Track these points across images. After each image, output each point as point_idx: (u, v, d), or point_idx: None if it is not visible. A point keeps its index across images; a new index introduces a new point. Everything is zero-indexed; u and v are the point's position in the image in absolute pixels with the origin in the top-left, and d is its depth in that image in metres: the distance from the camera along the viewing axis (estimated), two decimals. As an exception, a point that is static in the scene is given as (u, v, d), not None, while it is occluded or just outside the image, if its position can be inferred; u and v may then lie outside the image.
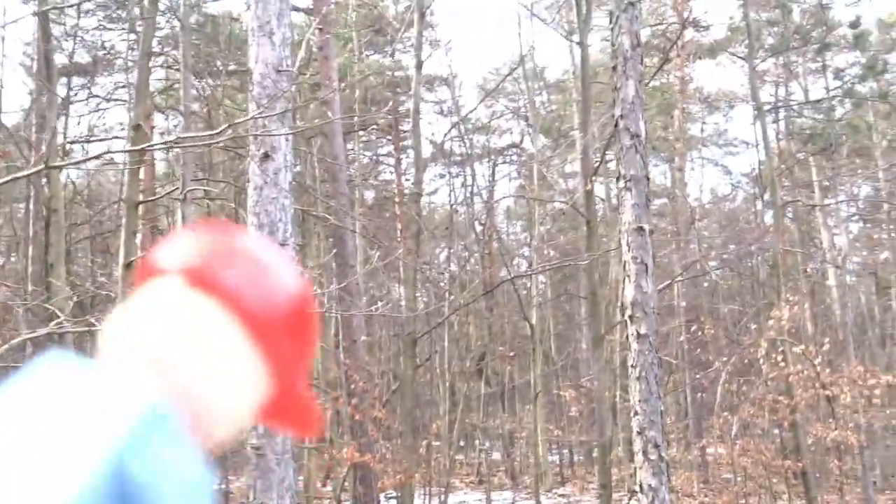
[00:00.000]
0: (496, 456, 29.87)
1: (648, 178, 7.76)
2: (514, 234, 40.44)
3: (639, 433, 6.75)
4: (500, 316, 25.64)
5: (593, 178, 14.23)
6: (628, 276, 7.05)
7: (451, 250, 27.14)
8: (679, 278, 15.42)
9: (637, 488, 6.98)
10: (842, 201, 19.35)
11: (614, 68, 7.92)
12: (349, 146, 27.07)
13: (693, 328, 17.20)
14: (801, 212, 27.59)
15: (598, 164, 14.36)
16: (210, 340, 1.13)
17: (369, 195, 32.78)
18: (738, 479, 15.37)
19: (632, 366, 6.91)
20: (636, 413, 6.83)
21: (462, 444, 30.34)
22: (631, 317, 6.98)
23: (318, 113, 17.07)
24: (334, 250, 14.73)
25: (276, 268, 1.23)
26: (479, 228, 22.46)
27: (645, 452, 6.65)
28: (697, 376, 17.72)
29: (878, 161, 22.69)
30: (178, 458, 1.03)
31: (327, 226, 14.81)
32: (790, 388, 13.94)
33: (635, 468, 7.05)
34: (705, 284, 23.13)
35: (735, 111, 34.66)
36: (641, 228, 7.00)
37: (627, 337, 7.11)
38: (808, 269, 25.83)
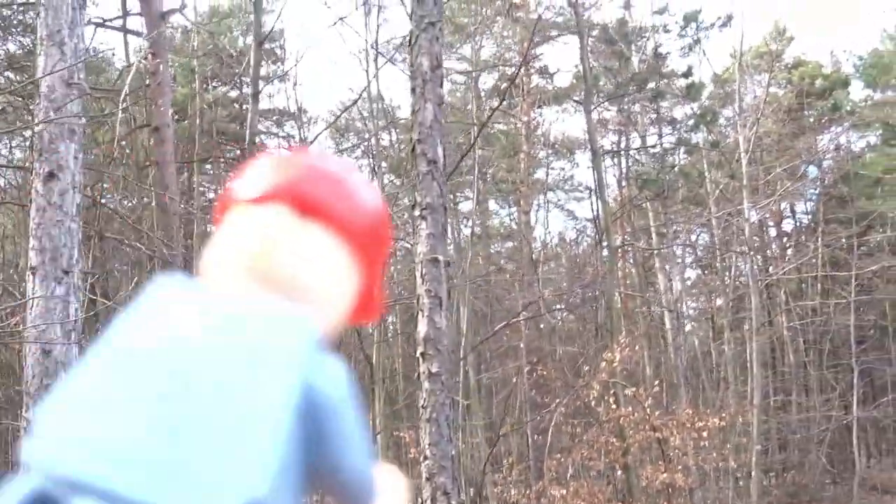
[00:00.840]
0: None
1: (446, 208, 7.26)
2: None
3: (427, 479, 6.03)
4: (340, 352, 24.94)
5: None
6: (421, 310, 6.45)
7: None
8: (515, 319, 15.22)
9: (421, 541, 6.22)
10: (673, 245, 19.63)
11: (413, 90, 7.41)
12: (193, 178, 26.16)
13: (529, 370, 17.04)
14: (641, 257, 28.09)
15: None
16: (320, 257, 1.19)
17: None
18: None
19: (422, 406, 6.24)
20: (425, 458, 6.14)
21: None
22: (423, 354, 6.33)
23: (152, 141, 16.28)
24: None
25: (356, 182, 1.30)
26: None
27: (433, 501, 5.94)
28: (535, 418, 17.52)
29: (710, 208, 23.26)
30: (337, 372, 1.07)
31: (155, 256, 13.96)
32: (622, 431, 13.84)
33: (420, 520, 6.34)
34: (542, 326, 23.08)
35: (581, 157, 35.26)
36: (436, 260, 6.49)
37: (418, 376, 6.44)
38: (647, 313, 26.22)
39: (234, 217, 1.23)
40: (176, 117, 19.01)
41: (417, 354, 6.54)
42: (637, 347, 13.67)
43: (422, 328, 6.46)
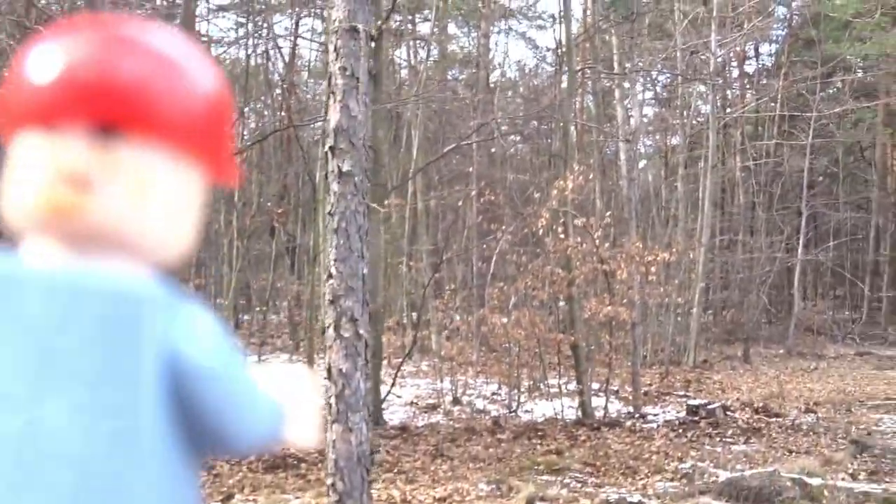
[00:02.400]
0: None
1: None
2: (319, 95, 38.66)
3: (331, 302, 5.06)
4: (284, 170, 24.16)
5: (385, 22, 12.82)
6: (333, 93, 5.14)
7: (248, 105, 25.33)
8: (465, 141, 14.43)
9: (324, 373, 5.25)
10: (636, 72, 18.73)
11: None
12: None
13: (477, 196, 16.40)
14: (601, 90, 27.20)
15: (389, 9, 12.97)
16: (143, 188, 0.88)
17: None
18: (515, 349, 14.88)
19: (329, 213, 5.12)
20: (330, 276, 5.12)
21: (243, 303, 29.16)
22: (333, 148, 5.09)
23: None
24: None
25: (181, 54, 0.94)
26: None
27: (338, 327, 5.01)
28: (481, 245, 17.04)
29: (676, 39, 22.27)
30: (201, 323, 0.92)
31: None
32: (569, 261, 13.33)
33: (325, 346, 5.32)
34: (493, 152, 22.26)
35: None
36: (355, 29, 5.20)
37: (327, 175, 5.28)
38: (603, 145, 25.58)
39: (21, 146, 0.88)
40: None
41: (325, 149, 5.35)
42: (590, 177, 13.02)
43: (333, 116, 5.25)
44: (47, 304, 0.87)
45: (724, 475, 10.14)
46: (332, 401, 4.85)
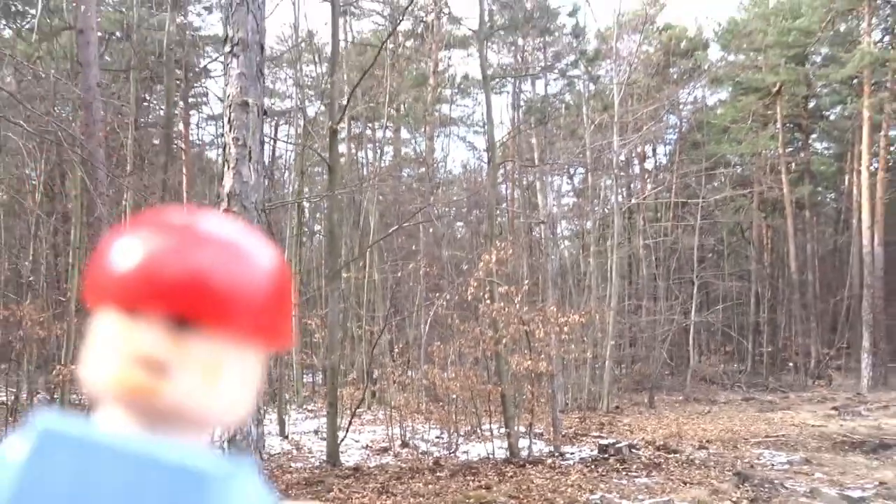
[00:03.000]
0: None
1: (263, 47, 5.54)
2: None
3: None
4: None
5: (336, 124, 12.70)
6: (227, 161, 4.86)
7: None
8: (407, 222, 14.29)
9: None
10: (549, 163, 18.85)
11: None
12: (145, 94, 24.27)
13: (422, 271, 16.21)
14: (527, 182, 27.39)
15: (342, 112, 12.86)
16: (215, 376, 0.79)
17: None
18: (453, 399, 14.55)
19: None
20: None
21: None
22: (226, 210, 4.77)
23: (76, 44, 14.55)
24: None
25: (245, 243, 0.84)
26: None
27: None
28: (414, 311, 16.76)
29: (586, 140, 22.52)
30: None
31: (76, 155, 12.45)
32: (496, 323, 13.10)
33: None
34: (432, 232, 22.03)
35: (482, 96, 34.48)
36: (246, 104, 4.90)
37: None
38: (527, 228, 25.63)
39: (102, 323, 0.80)
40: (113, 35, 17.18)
41: (220, 212, 4.76)
42: (510, 252, 12.86)
43: (227, 182, 4.89)
44: (116, 470, 0.75)
45: (627, 504, 9.83)
46: (224, 445, 4.32)
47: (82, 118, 13.09)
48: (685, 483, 11.46)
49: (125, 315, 0.79)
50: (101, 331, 0.81)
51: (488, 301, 12.73)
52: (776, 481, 10.69)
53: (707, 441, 15.86)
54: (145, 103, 24.06)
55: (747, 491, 10.17)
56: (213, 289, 0.78)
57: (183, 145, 29.96)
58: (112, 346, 0.79)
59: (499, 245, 12.62)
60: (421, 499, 10.64)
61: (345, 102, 12.84)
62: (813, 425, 18.36)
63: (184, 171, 28.58)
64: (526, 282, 12.96)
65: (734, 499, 9.84)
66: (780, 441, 15.81)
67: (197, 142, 35.03)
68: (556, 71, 26.82)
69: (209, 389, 0.80)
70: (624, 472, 12.37)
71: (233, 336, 0.80)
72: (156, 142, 26.37)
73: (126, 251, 0.80)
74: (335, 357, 12.90)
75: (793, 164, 35.82)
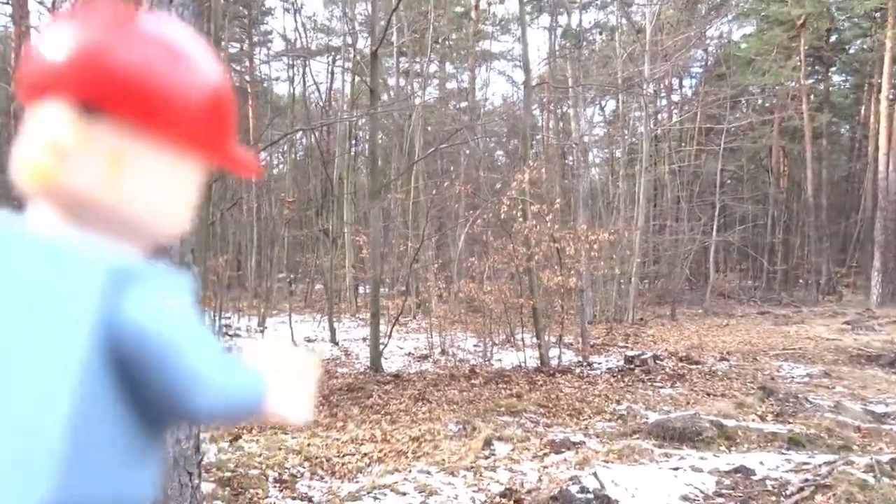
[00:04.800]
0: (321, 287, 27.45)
1: None
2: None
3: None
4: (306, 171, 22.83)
5: (377, 47, 11.47)
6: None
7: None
8: (443, 145, 13.12)
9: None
10: (579, 86, 17.29)
11: None
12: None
13: (459, 190, 15.02)
14: (561, 113, 25.86)
15: (381, 35, 11.61)
16: (114, 166, 0.73)
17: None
18: (489, 311, 13.63)
19: None
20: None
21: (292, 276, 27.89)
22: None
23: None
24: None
25: (195, 49, 0.78)
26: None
27: None
28: (452, 227, 15.71)
29: (617, 68, 20.83)
30: (155, 293, 0.72)
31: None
32: (528, 241, 12.01)
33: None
34: (467, 152, 20.72)
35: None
36: None
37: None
38: (560, 150, 24.21)
39: (28, 116, 0.75)
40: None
41: None
42: (543, 170, 11.69)
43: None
44: (14, 260, 0.70)
45: (653, 416, 8.85)
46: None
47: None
48: (709, 395, 10.44)
49: (37, 103, 0.72)
50: (26, 123, 0.74)
51: (521, 219, 11.62)
52: (800, 395, 9.60)
53: (727, 353, 14.76)
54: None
55: (772, 405, 9.10)
56: (118, 75, 0.70)
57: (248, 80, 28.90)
58: (29, 136, 0.73)
59: (531, 165, 11.44)
60: (455, 406, 9.81)
61: (384, 24, 11.56)
62: (828, 338, 17.09)
63: (249, 104, 27.58)
64: (558, 201, 11.79)
65: (760, 412, 8.80)
66: (798, 354, 14.63)
67: (262, 76, 33.91)
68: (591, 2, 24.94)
69: (112, 180, 0.72)
70: (649, 383, 11.39)
71: (143, 129, 0.72)
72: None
73: (47, 39, 0.73)
74: (377, 271, 11.98)
75: (812, 96, 33.45)
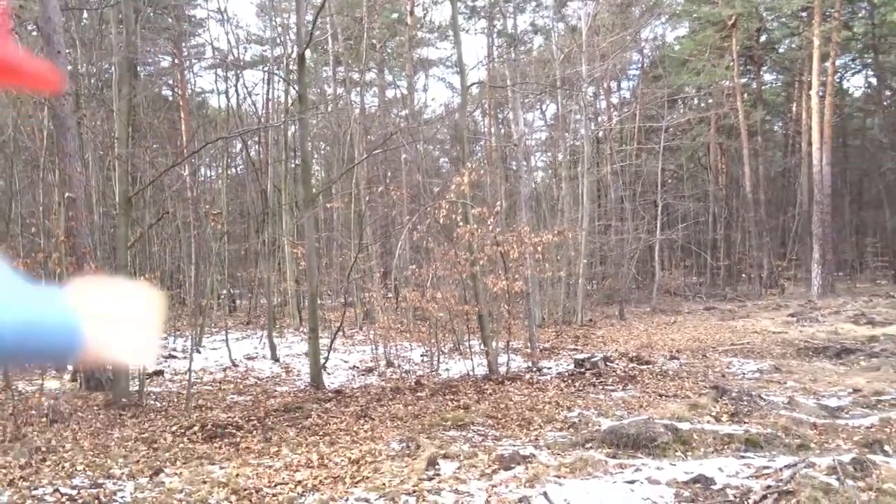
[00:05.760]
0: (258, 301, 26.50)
1: None
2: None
3: None
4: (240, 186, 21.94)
5: (303, 50, 10.82)
6: None
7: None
8: (377, 149, 12.51)
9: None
10: (516, 84, 16.87)
11: None
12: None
13: (391, 194, 14.42)
14: (503, 117, 25.49)
15: (308, 38, 10.98)
16: None
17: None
18: (434, 319, 13.04)
19: None
20: None
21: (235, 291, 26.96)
22: None
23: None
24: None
25: None
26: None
27: None
28: (387, 235, 15.10)
29: (556, 71, 20.52)
30: None
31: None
32: (470, 245, 11.48)
33: None
34: (403, 156, 20.13)
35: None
36: None
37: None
38: (499, 151, 23.78)
39: None
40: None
41: None
42: (483, 173, 11.19)
43: None
44: None
45: (606, 423, 8.38)
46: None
47: (45, 51, 11.13)
48: (661, 396, 10.05)
49: None
50: None
51: (460, 223, 11.09)
52: (753, 393, 9.26)
53: (677, 351, 14.49)
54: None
55: (726, 404, 8.73)
56: None
57: (179, 92, 27.86)
58: None
59: (470, 167, 10.92)
60: (399, 422, 9.20)
61: (310, 27, 10.90)
62: (774, 332, 17.02)
63: (181, 114, 26.56)
64: (499, 204, 11.29)
65: (714, 413, 8.41)
66: (746, 349, 14.44)
67: (196, 90, 32.81)
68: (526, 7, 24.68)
69: None
70: (600, 386, 10.96)
71: None
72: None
73: None
74: (313, 283, 11.30)
75: (745, 94, 33.88)
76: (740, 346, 14.69)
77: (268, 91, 28.44)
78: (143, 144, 16.10)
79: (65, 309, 0.71)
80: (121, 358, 0.76)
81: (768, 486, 5.71)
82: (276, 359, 15.34)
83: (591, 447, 7.42)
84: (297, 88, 10.99)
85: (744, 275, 32.46)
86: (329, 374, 13.41)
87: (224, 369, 14.32)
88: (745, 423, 7.98)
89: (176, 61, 27.71)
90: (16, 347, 0.66)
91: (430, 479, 6.64)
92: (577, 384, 11.17)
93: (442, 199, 11.64)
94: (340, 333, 19.29)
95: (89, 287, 0.76)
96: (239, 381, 13.07)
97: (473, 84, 16.32)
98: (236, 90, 24.26)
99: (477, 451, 7.38)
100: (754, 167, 31.65)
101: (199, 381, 13.07)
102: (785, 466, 6.14)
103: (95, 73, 14.34)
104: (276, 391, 11.83)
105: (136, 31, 10.10)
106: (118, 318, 0.74)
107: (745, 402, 8.71)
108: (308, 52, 27.91)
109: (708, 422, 8.05)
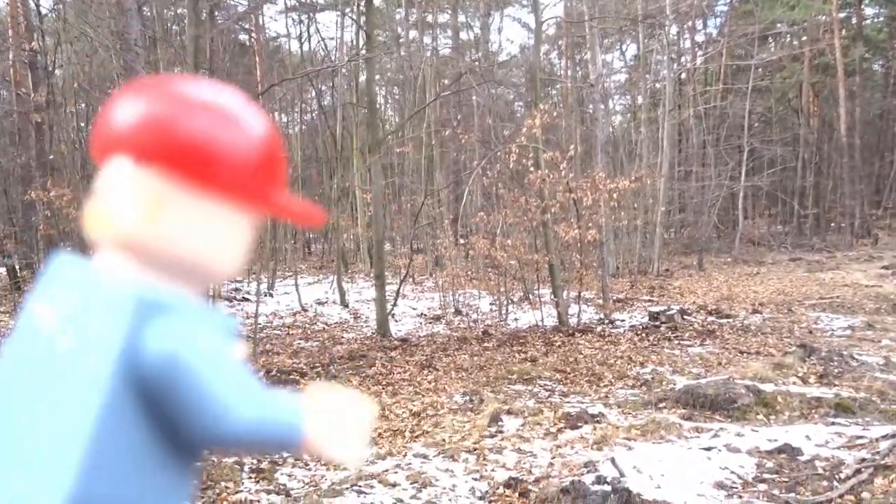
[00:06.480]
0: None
1: None
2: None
3: None
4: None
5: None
6: None
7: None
8: (445, 92, 11.98)
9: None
10: (593, 19, 15.80)
11: None
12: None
13: (461, 139, 13.83)
14: (579, 59, 24.40)
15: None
16: (173, 207, 0.79)
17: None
18: (504, 268, 12.64)
19: None
20: None
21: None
22: None
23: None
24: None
25: (239, 110, 0.82)
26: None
27: None
28: (455, 180, 14.59)
29: (637, 5, 19.30)
30: (179, 325, 0.76)
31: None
32: (542, 192, 10.94)
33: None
34: (474, 98, 19.36)
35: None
36: None
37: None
38: (573, 91, 22.81)
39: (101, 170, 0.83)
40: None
41: None
42: (555, 114, 10.57)
43: None
44: (75, 283, 0.80)
45: (681, 381, 7.91)
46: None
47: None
48: (742, 353, 9.45)
49: (104, 156, 0.80)
50: (100, 179, 0.81)
51: (531, 169, 10.53)
52: (844, 352, 8.54)
53: (760, 304, 13.69)
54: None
55: (814, 364, 8.08)
56: (158, 134, 0.76)
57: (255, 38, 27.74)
58: (100, 191, 0.80)
59: (542, 109, 10.30)
60: (464, 373, 8.95)
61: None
62: (866, 285, 15.90)
63: (257, 61, 26.49)
64: (572, 147, 10.65)
65: (801, 373, 7.79)
66: (836, 303, 13.50)
67: (271, 34, 32.66)
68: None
69: (152, 224, 0.77)
70: (676, 341, 10.41)
71: (182, 180, 0.76)
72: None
73: (114, 108, 0.79)
74: (379, 230, 11.04)
75: (844, 31, 31.42)
76: (829, 300, 13.76)
77: (341, 35, 28.10)
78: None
79: (294, 410, 0.78)
80: (334, 455, 0.82)
81: (863, 459, 5.16)
82: (345, 304, 15.31)
83: (665, 407, 6.98)
84: (364, 28, 10.54)
85: (834, 224, 30.63)
86: (397, 321, 13.27)
87: (294, 314, 14.38)
88: (835, 385, 7.35)
89: (251, 5, 27.52)
90: (247, 439, 0.75)
91: (493, 436, 6.36)
92: (651, 338, 10.65)
93: (512, 142, 11.07)
94: (410, 280, 19.18)
95: (318, 391, 0.84)
96: (307, 326, 13.08)
97: (548, 19, 15.43)
98: (308, 34, 23.86)
99: (542, 408, 7.04)
100: (850, 109, 29.50)
101: (268, 325, 13.15)
102: (882, 437, 5.56)
103: (170, 16, 14.26)
104: (342, 338, 11.76)
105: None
106: (338, 421, 0.82)
107: (836, 363, 8.04)
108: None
109: (794, 383, 7.46)
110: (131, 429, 0.72)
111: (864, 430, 5.89)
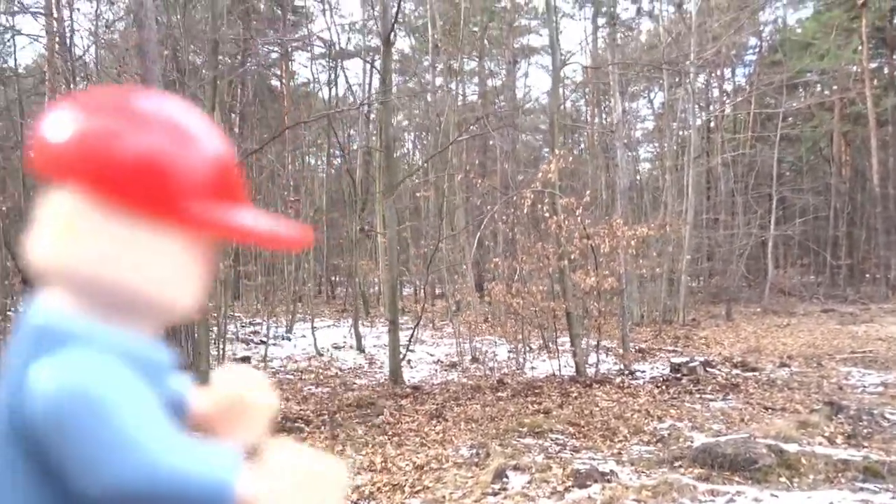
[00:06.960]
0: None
1: None
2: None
3: None
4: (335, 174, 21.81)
5: (388, 34, 10.36)
6: None
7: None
8: (461, 137, 11.90)
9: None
10: (612, 64, 15.72)
11: None
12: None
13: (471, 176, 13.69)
14: (605, 106, 24.34)
15: (393, 22, 10.49)
16: (90, 228, 0.71)
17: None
18: (520, 315, 12.34)
19: None
20: None
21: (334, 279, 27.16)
22: None
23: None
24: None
25: (191, 128, 0.76)
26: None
27: None
28: (471, 223, 14.41)
29: (661, 54, 19.23)
30: (84, 361, 0.66)
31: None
32: (558, 238, 10.70)
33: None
34: (490, 143, 19.24)
35: (567, 23, 31.06)
36: None
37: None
38: (596, 138, 22.66)
39: (42, 194, 0.76)
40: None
41: None
42: (570, 160, 10.38)
43: None
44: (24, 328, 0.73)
45: (699, 438, 7.49)
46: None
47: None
48: (766, 409, 8.99)
49: (51, 182, 0.74)
50: (40, 208, 0.76)
51: (546, 213, 10.32)
52: (874, 411, 8.08)
53: (788, 357, 13.17)
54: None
55: (841, 423, 7.63)
56: (70, 152, 0.70)
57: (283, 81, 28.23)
58: (40, 221, 0.74)
59: (558, 153, 10.12)
60: (473, 424, 8.62)
61: (393, 11, 10.39)
62: (902, 340, 15.26)
63: (285, 105, 26.89)
64: (588, 193, 10.42)
65: (827, 433, 7.35)
66: (869, 358, 12.93)
67: (301, 80, 33.22)
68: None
69: (66, 247, 0.70)
70: (698, 395, 9.98)
71: (98, 197, 0.69)
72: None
73: (50, 126, 0.73)
74: (394, 273, 10.86)
75: (875, 80, 31.03)
76: (861, 355, 13.19)
77: (368, 81, 28.46)
78: (243, 134, 16.25)
79: (224, 467, 0.69)
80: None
81: (892, 532, 4.76)
82: (361, 349, 15.09)
83: (681, 466, 6.59)
84: (379, 72, 10.55)
85: (868, 275, 29.80)
86: (412, 367, 13.00)
87: (309, 358, 14.19)
88: (864, 447, 6.90)
89: (280, 52, 28.05)
90: (151, 497, 0.65)
91: (496, 493, 6.03)
92: (671, 391, 10.23)
93: (527, 187, 10.89)
94: (430, 325, 18.91)
95: (278, 449, 0.74)
96: (321, 371, 12.86)
97: (567, 63, 15.35)
98: (335, 80, 24.27)
99: (551, 464, 6.69)
100: (883, 159, 28.93)
101: (282, 368, 12.96)
102: (913, 507, 5.14)
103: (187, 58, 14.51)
104: (354, 384, 11.51)
105: (221, 15, 9.93)
106: (292, 489, 0.71)
107: (865, 422, 7.59)
108: (407, 41, 27.60)
109: (820, 443, 7.02)
110: (13, 479, 0.64)
111: (893, 497, 5.47)
